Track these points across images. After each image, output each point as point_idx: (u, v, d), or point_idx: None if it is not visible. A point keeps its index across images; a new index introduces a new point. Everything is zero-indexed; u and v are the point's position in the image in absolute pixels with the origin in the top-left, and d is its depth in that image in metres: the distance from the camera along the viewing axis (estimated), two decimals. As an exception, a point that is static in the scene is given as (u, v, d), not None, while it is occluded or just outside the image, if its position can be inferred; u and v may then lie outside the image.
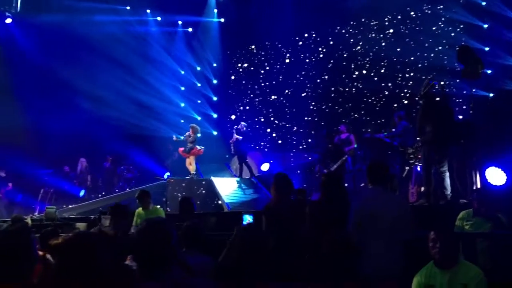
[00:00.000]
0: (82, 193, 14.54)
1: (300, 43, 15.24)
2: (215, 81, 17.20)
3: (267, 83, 15.86)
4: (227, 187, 11.72)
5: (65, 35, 13.96)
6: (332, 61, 14.44)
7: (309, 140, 14.58)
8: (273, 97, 15.68)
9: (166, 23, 16.71)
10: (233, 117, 15.60)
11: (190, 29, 17.27)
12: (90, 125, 14.09)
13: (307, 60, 14.95)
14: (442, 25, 12.36)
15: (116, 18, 15.22)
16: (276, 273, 2.51)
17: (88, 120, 14.15)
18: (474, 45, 10.32)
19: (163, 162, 15.49)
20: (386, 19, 13.41)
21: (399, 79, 12.96)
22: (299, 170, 13.05)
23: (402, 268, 3.80)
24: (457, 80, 10.87)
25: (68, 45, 14.25)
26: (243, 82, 16.43)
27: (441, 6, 12.45)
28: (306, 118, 14.58)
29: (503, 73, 10.63)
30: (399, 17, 13.22)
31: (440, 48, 12.22)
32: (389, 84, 13.14)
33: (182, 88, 17.04)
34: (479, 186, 7.42)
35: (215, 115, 16.84)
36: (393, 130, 9.64)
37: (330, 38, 14.53)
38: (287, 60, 15.48)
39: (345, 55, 14.14)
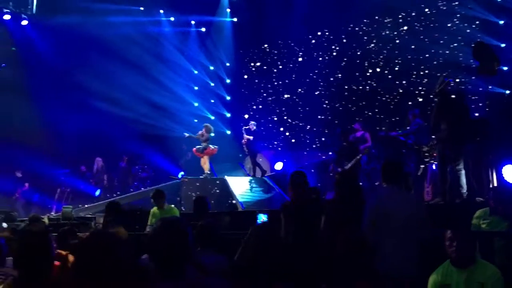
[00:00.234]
0: (97, 192, 14.69)
1: (313, 41, 15.18)
2: (228, 81, 17.23)
3: (280, 82, 15.83)
4: (241, 187, 11.74)
5: (80, 36, 14.11)
6: (345, 59, 14.35)
7: (323, 139, 14.52)
8: (286, 96, 15.65)
9: (179, 23, 16.78)
10: (246, 116, 15.61)
11: (203, 29, 17.32)
12: (105, 125, 14.22)
13: (320, 59, 14.89)
14: (457, 22, 12.21)
15: (130, 19, 15.32)
16: (293, 272, 2.51)
17: (104, 120, 14.27)
18: (490, 42, 10.17)
19: (178, 161, 15.57)
20: (400, 16, 13.28)
21: (414, 76, 12.83)
22: (312, 169, 12.99)
23: (418, 267, 3.78)
24: (473, 77, 10.73)
25: (83, 46, 14.40)
26: (256, 81, 16.42)
27: (456, 3, 12.29)
28: (319, 117, 14.53)
29: (519, 70, 10.47)
30: (413, 14, 13.08)
31: (455, 45, 12.07)
32: (404, 82, 13.02)
33: (196, 88, 17.09)
34: (495, 184, 7.33)
35: (228, 115, 16.87)
36: (408, 128, 9.57)
37: (343, 36, 14.44)
38: (300, 59, 15.43)
39: (358, 53, 14.04)
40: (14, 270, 2.66)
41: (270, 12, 15.17)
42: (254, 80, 16.51)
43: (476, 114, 10.07)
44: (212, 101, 17.02)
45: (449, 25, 12.32)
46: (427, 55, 12.51)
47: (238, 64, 16.76)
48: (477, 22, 11.80)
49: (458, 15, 12.20)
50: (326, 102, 14.62)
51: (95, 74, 14.36)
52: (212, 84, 17.10)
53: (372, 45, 13.71)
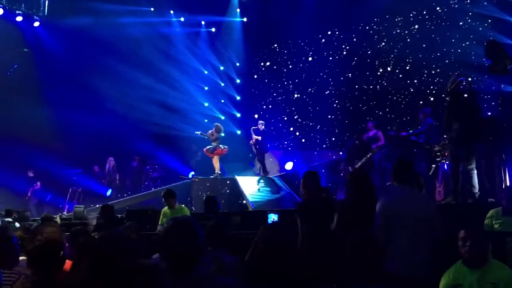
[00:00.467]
0: (108, 192, 14.79)
1: (323, 40, 15.15)
2: (238, 81, 17.25)
3: (290, 82, 15.82)
4: (252, 186, 11.75)
5: (91, 37, 14.23)
6: (355, 58, 14.30)
7: (333, 139, 14.49)
8: (296, 95, 15.64)
9: (190, 23, 16.83)
10: (256, 116, 15.63)
11: (213, 29, 17.37)
12: (117, 125, 14.31)
13: (330, 58, 14.85)
14: (469, 20, 12.10)
15: (140, 20, 15.43)
16: (306, 273, 2.51)
17: (115, 121, 14.36)
18: (502, 40, 10.07)
19: (188, 161, 15.61)
20: (411, 15, 13.20)
21: (425, 75, 12.75)
22: (323, 169, 12.97)
23: (430, 268, 3.75)
24: (485, 76, 10.62)
25: (94, 47, 14.51)
26: (266, 81, 16.43)
27: (468, 1, 12.20)
28: (329, 117, 14.50)
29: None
30: (424, 12, 13.00)
31: (467, 43, 11.97)
32: (415, 81, 12.95)
33: (206, 88, 17.14)
34: (508, 184, 7.24)
35: (238, 114, 16.89)
36: (419, 127, 9.50)
37: (353, 35, 14.39)
38: (310, 58, 15.41)
39: (369, 52, 13.98)
40: (27, 269, 2.69)
41: (280, 12, 15.17)
42: (264, 80, 16.52)
43: (489, 113, 9.97)
44: (222, 101, 17.05)
45: (461, 23, 12.22)
46: (438, 54, 12.43)
47: (248, 64, 16.77)
48: (489, 21, 11.69)
49: (470, 13, 12.09)
50: (336, 101, 14.59)
51: (107, 75, 14.47)
52: (222, 84, 17.14)
53: (383, 44, 13.64)
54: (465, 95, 7.15)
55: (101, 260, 2.07)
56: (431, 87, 12.49)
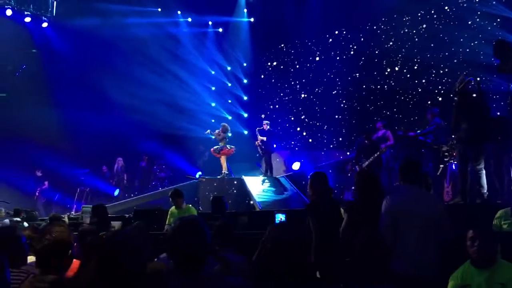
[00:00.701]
0: (116, 192, 14.85)
1: (330, 40, 15.12)
2: (245, 81, 17.26)
3: (297, 82, 15.82)
4: (259, 186, 11.75)
5: (99, 38, 14.30)
6: (363, 58, 14.27)
7: (340, 139, 14.46)
8: (303, 95, 15.63)
9: (197, 24, 16.86)
10: (263, 116, 15.64)
11: (220, 30, 17.38)
12: (124, 125, 14.37)
13: (338, 58, 14.83)
14: (478, 19, 12.02)
15: (148, 20, 15.49)
16: (313, 273, 2.51)
17: (123, 121, 14.43)
18: (511, 40, 9.98)
19: (196, 162, 15.65)
20: (419, 14, 13.15)
21: (433, 75, 12.69)
22: (330, 169, 12.96)
23: (438, 268, 3.74)
24: (494, 76, 10.55)
25: (102, 48, 14.58)
26: (273, 81, 16.43)
27: (477, 0, 12.12)
28: (336, 117, 14.47)
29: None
30: (432, 12, 12.94)
31: (475, 43, 11.90)
32: (423, 81, 12.90)
33: (213, 88, 17.17)
34: (517, 184, 7.18)
35: (245, 115, 16.90)
36: (427, 127, 9.46)
37: (361, 35, 14.35)
38: (317, 58, 15.39)
39: (376, 52, 13.94)
40: (36, 268, 2.72)
41: (287, 12, 15.17)
42: (271, 80, 16.52)
43: (498, 113, 9.90)
44: (229, 101, 17.07)
45: (469, 22, 12.15)
46: (446, 54, 12.36)
47: (255, 64, 16.78)
48: (498, 20, 11.62)
49: (478, 13, 12.01)
50: (344, 101, 14.56)
51: (114, 75, 14.53)
52: (229, 84, 17.15)
53: (391, 43, 13.60)
54: (474, 95, 7.10)
55: (109, 260, 2.08)
56: (439, 87, 12.43)
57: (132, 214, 8.65)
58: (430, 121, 9.32)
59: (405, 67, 13.36)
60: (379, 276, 2.82)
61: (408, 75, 13.19)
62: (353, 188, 8.65)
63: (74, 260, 2.89)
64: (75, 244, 3.11)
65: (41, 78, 14.73)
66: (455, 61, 12.15)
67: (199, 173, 14.14)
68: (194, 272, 2.24)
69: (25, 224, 7.85)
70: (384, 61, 13.82)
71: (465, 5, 12.35)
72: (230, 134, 12.89)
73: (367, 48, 14.15)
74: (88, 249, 4.12)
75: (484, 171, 6.80)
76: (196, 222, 2.34)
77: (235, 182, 12.09)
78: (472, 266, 3.44)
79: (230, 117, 16.43)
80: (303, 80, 15.59)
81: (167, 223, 7.05)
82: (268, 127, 12.55)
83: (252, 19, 16.96)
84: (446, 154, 8.97)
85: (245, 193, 11.54)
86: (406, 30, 13.30)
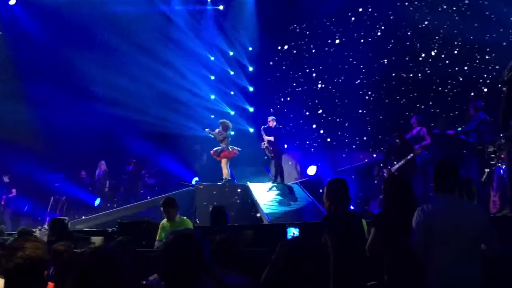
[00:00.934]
0: (97, 201, 14.90)
1: (353, 19, 15.08)
2: (251, 68, 17.26)
3: (313, 69, 15.78)
4: (267, 195, 11.75)
5: (77, 17, 14.32)
6: (392, 41, 14.21)
7: (365, 138, 14.42)
8: (320, 85, 15.59)
9: (193, 0, 16.88)
10: (272, 110, 15.63)
11: (221, 7, 17.37)
12: (107, 122, 14.43)
13: (362, 41, 14.77)
14: (532, -6, 11.96)
15: (135, -4, 15.54)
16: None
17: (105, 117, 14.48)
18: None
19: (192, 165, 15.66)
20: (460, -13, 13.10)
21: (477, 61, 12.62)
22: (353, 174, 12.92)
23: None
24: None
25: (81, 29, 14.59)
26: (284, 68, 16.41)
27: (531, -30, 12.05)
28: (360, 111, 14.41)
29: None
30: (476, -16, 12.89)
31: (529, 22, 11.85)
32: (465, 68, 12.83)
33: (212, 77, 17.18)
34: None
35: (251, 109, 16.90)
36: (469, 124, 9.42)
37: (390, 13, 14.31)
38: (337, 41, 15.35)
39: (409, 33, 13.89)
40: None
41: (301, -14, 15.17)
42: (281, 67, 16.49)
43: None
44: (232, 93, 17.07)
45: (521, -3, 12.09)
46: (494, 35, 12.28)
47: (263, 49, 16.76)
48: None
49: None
50: (369, 93, 14.50)
51: (96, 64, 14.58)
52: (232, 73, 17.16)
53: (426, 23, 13.53)
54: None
55: (88, 283, 2.08)
56: (485, 75, 12.36)
57: (116, 227, 8.67)
58: (473, 117, 9.28)
59: (443, 51, 13.29)
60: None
61: (447, 61, 13.12)
62: (380, 197, 8.63)
63: (49, 283, 2.91)
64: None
65: (7, 66, 14.77)
66: (504, 43, 12.07)
67: (196, 179, 14.14)
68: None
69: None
70: (418, 44, 13.75)
71: (516, -24, 12.30)
72: (232, 133, 12.90)
73: (397, 29, 14.09)
74: (63, 270, 4.15)
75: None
76: (192, 237, 2.35)
77: (239, 190, 12.09)
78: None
79: (232, 112, 16.44)
80: (320, 68, 15.55)
81: (157, 238, 7.07)
82: (275, 123, 12.46)
83: (259, -6, 16.98)
84: (493, 156, 8.92)
85: (250, 203, 11.54)
86: (445, 7, 13.23)
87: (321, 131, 15.40)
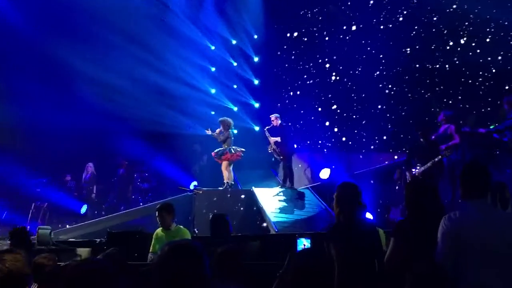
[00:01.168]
0: (83, 209, 14.92)
1: (372, 2, 15.07)
2: (256, 59, 17.26)
3: (326, 60, 15.77)
4: (274, 201, 11.74)
5: (61, 5, 14.33)
6: (416, 27, 14.19)
7: (384, 137, 14.40)
8: (334, 78, 15.58)
9: (191, -18, 16.94)
10: (278, 107, 15.64)
11: (222, -11, 17.43)
12: (96, 120, 14.42)
13: (382, 27, 14.76)
14: None
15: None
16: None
17: (94, 114, 14.47)
18: None
19: (190, 167, 15.67)
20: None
21: (512, 51, 12.63)
22: (371, 178, 12.90)
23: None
24: None
25: (68, 18, 14.62)
26: (293, 58, 16.41)
27: None
28: (380, 107, 14.41)
29: None
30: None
31: None
32: (499, 58, 12.80)
33: (213, 69, 17.19)
34: None
35: (256, 104, 16.90)
36: (503, 121, 9.40)
37: (413, -4, 14.32)
38: (354, 28, 15.33)
39: (434, 19, 13.87)
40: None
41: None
42: (290, 57, 16.50)
43: None
44: (235, 86, 17.08)
45: None
46: (531, 20, 12.27)
47: (270, 36, 16.76)
48: None
49: None
50: (389, 86, 14.49)
51: (83, 55, 14.58)
52: (235, 64, 17.16)
53: (454, 7, 13.51)
54: None
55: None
56: (521, 66, 12.36)
57: (105, 238, 8.68)
58: (508, 113, 9.26)
59: (474, 39, 13.26)
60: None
61: (478, 50, 13.09)
62: (403, 204, 8.61)
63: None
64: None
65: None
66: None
67: (194, 183, 14.16)
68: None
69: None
70: (445, 31, 13.72)
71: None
72: (235, 131, 12.87)
73: (421, 14, 14.07)
74: (46, 285, 4.16)
75: None
76: (190, 248, 2.35)
77: (243, 196, 12.08)
78: None
79: (236, 108, 16.44)
80: (334, 57, 15.55)
81: (151, 250, 7.06)
82: (280, 121, 12.38)
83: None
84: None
85: (256, 211, 11.52)
86: (476, -11, 13.23)
87: (335, 130, 15.40)
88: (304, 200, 12.02)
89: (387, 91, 14.48)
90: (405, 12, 14.51)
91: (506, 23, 12.52)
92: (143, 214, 12.63)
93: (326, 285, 2.33)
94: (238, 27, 17.09)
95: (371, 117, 14.61)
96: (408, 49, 14.30)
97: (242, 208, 11.79)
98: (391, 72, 14.48)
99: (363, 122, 14.86)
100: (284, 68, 16.58)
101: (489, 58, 12.90)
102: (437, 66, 13.81)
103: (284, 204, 11.75)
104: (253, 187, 12.33)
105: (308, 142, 15.43)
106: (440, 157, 9.37)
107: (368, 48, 14.85)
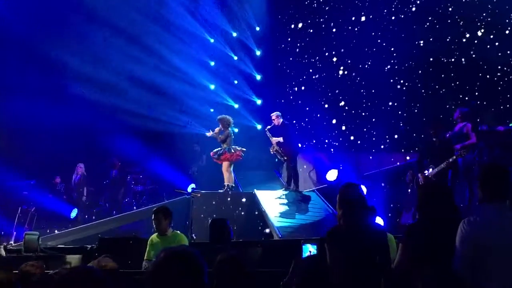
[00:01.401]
0: (74, 213, 14.92)
1: (382, -8, 15.09)
2: (258, 52, 17.27)
3: (333, 53, 15.76)
4: (278, 205, 11.74)
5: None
6: (430, 18, 14.18)
7: (396, 136, 14.39)
8: (341, 72, 15.57)
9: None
10: (282, 103, 15.63)
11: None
12: (87, 118, 14.44)
13: (393, 18, 14.75)
14: None
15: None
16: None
17: (85, 111, 14.49)
18: None
19: (188, 168, 15.67)
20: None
21: (533, 43, 12.62)
22: (382, 180, 12.90)
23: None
24: None
25: (56, 10, 14.61)
26: (298, 51, 16.40)
27: None
28: (391, 104, 14.39)
29: None
30: None
31: None
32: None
33: (212, 63, 17.19)
34: None
35: (259, 101, 16.90)
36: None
37: (427, -16, 14.31)
38: (363, 18, 15.32)
39: (450, 9, 13.86)
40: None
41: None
42: (294, 50, 16.49)
43: None
44: (236, 81, 17.08)
45: None
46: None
47: (273, 28, 16.78)
48: None
49: None
50: (401, 81, 14.48)
51: (72, 48, 14.59)
52: (236, 58, 17.17)
53: (470, -4, 13.53)
54: None
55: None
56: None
57: (96, 244, 8.68)
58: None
59: (492, 30, 13.24)
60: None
61: (497, 43, 13.07)
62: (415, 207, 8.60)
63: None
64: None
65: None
66: None
67: (192, 185, 14.15)
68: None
69: None
70: (462, 22, 13.71)
71: None
72: (236, 130, 12.88)
73: (436, 4, 14.05)
74: None
75: None
76: (187, 255, 2.34)
77: (244, 199, 12.09)
78: None
79: (236, 105, 16.45)
80: (342, 50, 15.54)
81: (145, 257, 7.06)
82: (281, 119, 12.35)
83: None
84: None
85: (258, 215, 11.53)
86: (494, -24, 13.23)
87: (343, 128, 15.39)
88: (310, 203, 12.02)
89: (398, 86, 14.47)
90: (418, 2, 14.50)
91: (526, 13, 12.54)
92: (137, 218, 12.64)
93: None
94: (239, 18, 17.09)
95: (381, 114, 14.59)
96: (422, 42, 14.28)
97: (243, 212, 11.80)
98: (403, 66, 14.47)
99: (373, 119, 14.84)
100: (288, 62, 16.58)
101: (508, 51, 12.90)
102: (453, 59, 13.78)
103: (288, 207, 11.75)
104: (255, 190, 12.34)
105: (314, 141, 15.42)
106: (454, 157, 9.35)
107: (379, 41, 14.84)
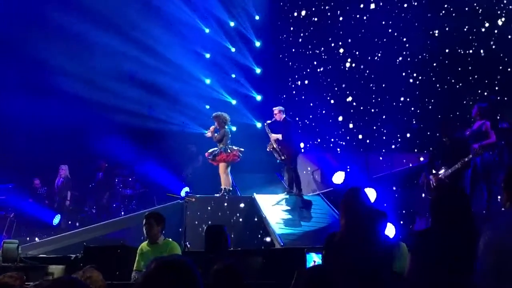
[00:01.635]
0: (56, 219, 14.92)
1: (393, -23, 15.09)
2: (258, 43, 17.28)
3: (340, 43, 15.77)
4: (279, 210, 11.76)
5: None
6: (445, 5, 14.17)
7: (408, 135, 14.38)
8: (349, 64, 15.57)
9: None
10: (283, 98, 15.63)
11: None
12: (71, 115, 14.45)
13: (405, 5, 14.74)
14: None
15: None
16: None
17: (69, 108, 14.50)
18: None
19: (181, 170, 15.68)
20: None
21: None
22: (393, 183, 12.89)
23: None
24: None
25: (41, 5, 14.64)
26: (301, 41, 16.41)
27: None
28: (402, 99, 14.40)
29: None
30: None
31: None
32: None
33: (207, 56, 17.21)
34: None
35: (258, 97, 16.92)
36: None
37: (441, -31, 14.31)
38: (372, 5, 15.32)
39: (466, -4, 13.88)
40: None
41: None
42: (297, 40, 16.49)
43: None
44: (233, 75, 17.09)
45: None
46: None
47: (274, 17, 16.78)
48: None
49: None
50: (414, 75, 14.48)
51: (55, 40, 14.59)
52: (233, 50, 17.19)
53: (490, -17, 13.52)
54: None
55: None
56: None
57: (81, 253, 8.70)
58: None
59: (513, 19, 13.27)
60: None
61: (518, 33, 13.10)
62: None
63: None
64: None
65: None
66: None
67: (186, 189, 14.16)
68: None
69: None
70: (480, 10, 13.70)
71: None
72: (234, 128, 12.88)
73: (451, -10, 14.07)
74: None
75: None
76: (180, 265, 2.34)
77: (242, 204, 12.11)
78: None
79: (234, 101, 16.47)
80: (349, 41, 15.54)
81: (135, 267, 7.08)
82: (284, 115, 12.35)
83: None
84: None
85: (258, 221, 11.55)
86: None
87: (351, 126, 15.39)
88: (314, 208, 12.05)
89: (411, 80, 14.47)
90: (432, -12, 14.51)
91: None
92: (125, 225, 12.64)
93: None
94: (236, 7, 17.08)
95: (392, 111, 14.59)
96: (436, 32, 14.27)
97: (241, 219, 11.82)
98: (416, 58, 14.46)
99: (383, 117, 14.84)
100: (291, 53, 16.58)
101: (530, 42, 12.93)
102: (470, 51, 13.77)
103: (291, 213, 11.77)
104: (254, 194, 12.36)
105: (319, 140, 15.43)
106: (471, 156, 9.34)
107: (389, 30, 14.83)
